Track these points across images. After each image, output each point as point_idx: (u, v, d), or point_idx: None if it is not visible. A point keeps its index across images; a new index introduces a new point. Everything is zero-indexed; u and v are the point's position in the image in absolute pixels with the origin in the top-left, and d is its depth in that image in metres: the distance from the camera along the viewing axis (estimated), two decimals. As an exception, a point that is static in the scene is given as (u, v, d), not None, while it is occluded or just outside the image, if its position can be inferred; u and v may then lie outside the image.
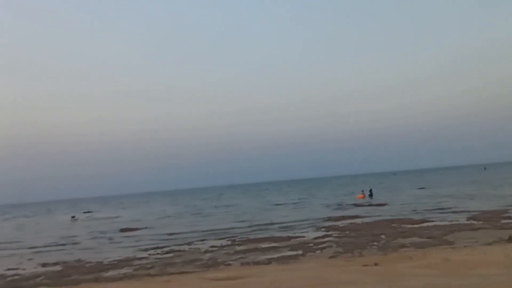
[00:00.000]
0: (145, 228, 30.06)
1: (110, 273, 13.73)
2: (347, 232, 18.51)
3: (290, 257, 13.80)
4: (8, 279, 14.22)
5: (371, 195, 42.04)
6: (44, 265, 16.69)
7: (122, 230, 29.86)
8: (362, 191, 43.43)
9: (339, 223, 22.32)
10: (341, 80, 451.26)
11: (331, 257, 13.10)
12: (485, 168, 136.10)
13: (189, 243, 19.58)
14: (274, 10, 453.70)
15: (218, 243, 18.80)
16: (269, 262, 13.17)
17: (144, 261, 15.52)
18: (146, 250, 18.62)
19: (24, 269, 16.19)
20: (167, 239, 21.90)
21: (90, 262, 16.33)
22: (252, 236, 20.27)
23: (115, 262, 15.90)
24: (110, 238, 24.83)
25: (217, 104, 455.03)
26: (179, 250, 17.53)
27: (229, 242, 18.71)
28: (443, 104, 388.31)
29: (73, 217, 51.17)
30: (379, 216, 24.44)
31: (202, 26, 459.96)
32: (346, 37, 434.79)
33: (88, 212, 68.22)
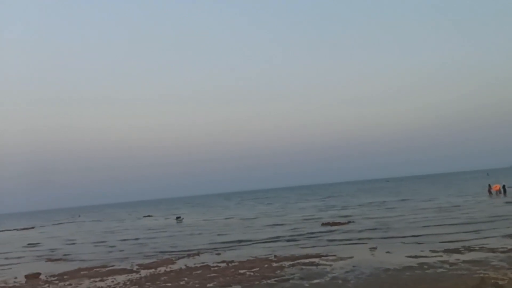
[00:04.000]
0: (349, 222, 28.76)
1: None
2: None
3: None
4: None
5: (505, 191, 41.91)
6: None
7: (325, 224, 28.58)
8: (501, 186, 42.83)
9: None
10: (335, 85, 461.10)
11: None
12: (488, 174, 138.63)
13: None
14: (267, 19, 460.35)
15: None
16: None
17: None
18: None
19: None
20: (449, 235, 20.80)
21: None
22: None
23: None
24: (363, 239, 22.96)
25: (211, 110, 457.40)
26: None
27: None
28: (439, 109, 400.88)
29: (178, 218, 48.91)
30: None
31: (210, 31, 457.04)
32: (337, 44, 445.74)
33: (149, 216, 64.50)
